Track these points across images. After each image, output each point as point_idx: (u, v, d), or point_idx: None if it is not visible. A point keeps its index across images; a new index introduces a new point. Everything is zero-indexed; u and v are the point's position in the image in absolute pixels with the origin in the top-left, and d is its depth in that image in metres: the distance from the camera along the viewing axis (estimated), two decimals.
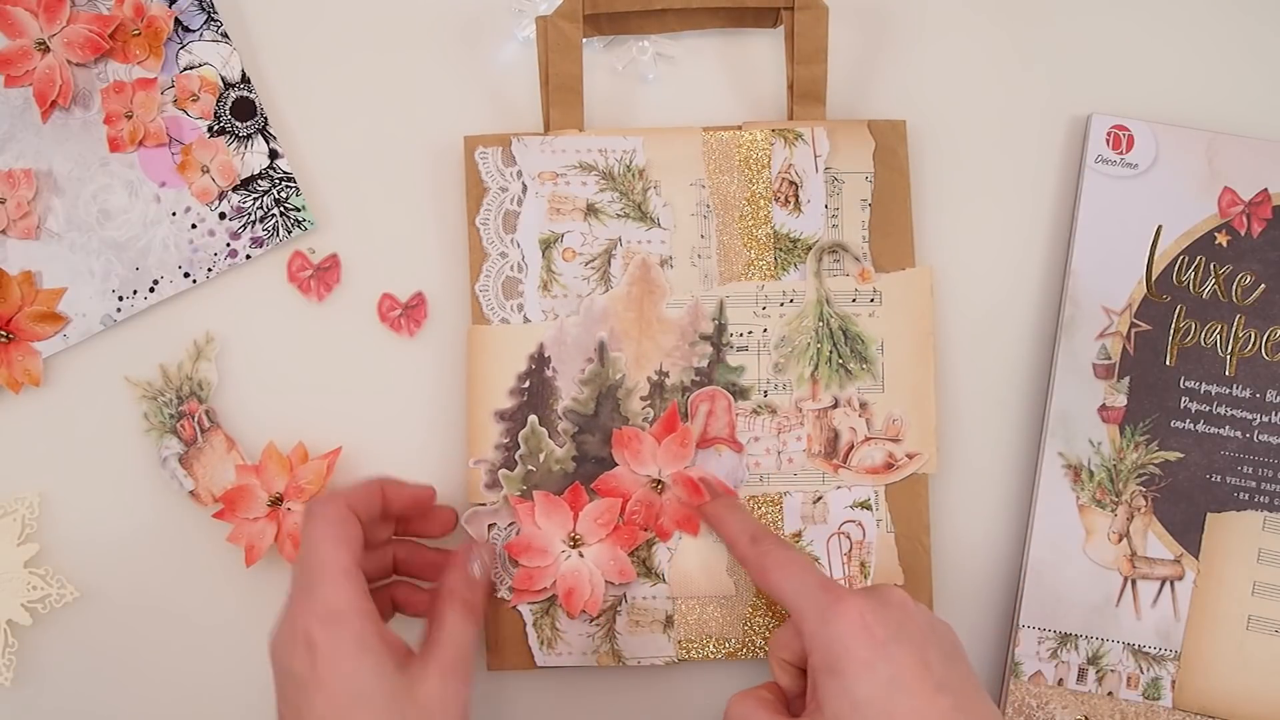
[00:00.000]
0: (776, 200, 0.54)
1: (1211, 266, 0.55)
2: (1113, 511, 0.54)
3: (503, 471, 0.53)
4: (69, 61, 0.55)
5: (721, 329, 0.54)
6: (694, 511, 0.53)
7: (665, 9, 0.54)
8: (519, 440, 0.53)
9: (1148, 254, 0.55)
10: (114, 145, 0.55)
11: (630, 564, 0.53)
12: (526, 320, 0.54)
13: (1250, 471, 0.54)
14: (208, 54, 0.56)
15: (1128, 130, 0.56)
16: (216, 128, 0.56)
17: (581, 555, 0.53)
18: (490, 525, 0.53)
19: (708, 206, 0.54)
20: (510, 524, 0.53)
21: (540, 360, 0.53)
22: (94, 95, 0.55)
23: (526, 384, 0.53)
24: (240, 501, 0.53)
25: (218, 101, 0.56)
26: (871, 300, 0.54)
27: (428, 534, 0.52)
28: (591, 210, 0.54)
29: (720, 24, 0.57)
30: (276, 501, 0.53)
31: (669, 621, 0.53)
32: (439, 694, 0.44)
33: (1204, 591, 0.54)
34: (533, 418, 0.53)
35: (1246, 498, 0.54)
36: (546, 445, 0.53)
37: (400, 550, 0.52)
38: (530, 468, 0.53)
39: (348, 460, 0.55)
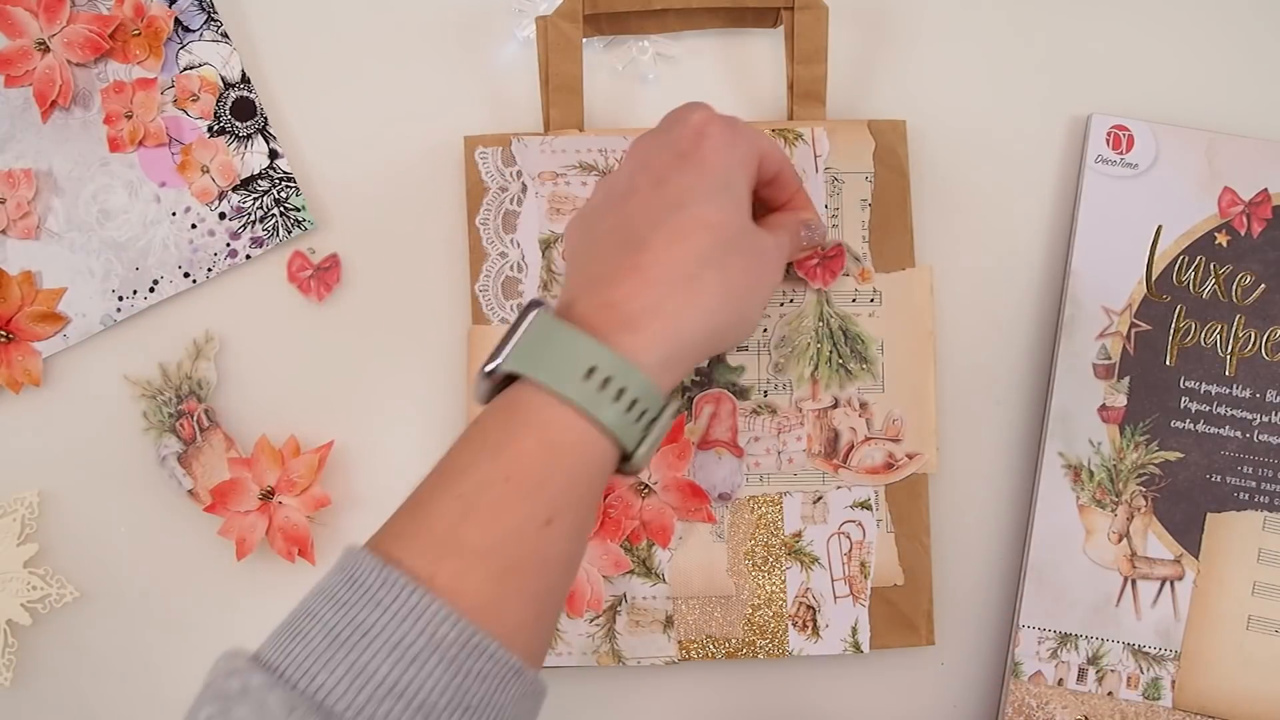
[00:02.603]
0: None
1: (1211, 266, 0.55)
2: (1113, 511, 0.54)
3: None
4: (69, 61, 0.55)
5: None
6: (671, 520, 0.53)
7: (665, 9, 0.54)
8: None
9: (1148, 254, 0.55)
10: (114, 145, 0.55)
11: (623, 554, 0.53)
12: None
13: (1250, 471, 0.54)
14: (208, 54, 0.56)
15: (1128, 130, 0.56)
16: (216, 128, 0.56)
17: None
18: None
19: None
20: None
21: None
22: (94, 95, 0.55)
23: None
24: (231, 495, 0.53)
25: (218, 101, 0.56)
26: (871, 300, 0.54)
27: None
28: None
29: (720, 24, 0.57)
30: (268, 495, 0.53)
31: (669, 621, 0.53)
32: (772, 247, 0.46)
33: (1204, 591, 0.54)
34: None
35: (1246, 498, 0.54)
36: None
37: None
38: None
39: (346, 459, 0.55)
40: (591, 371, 0.39)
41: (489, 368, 0.40)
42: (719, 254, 0.42)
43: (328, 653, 0.34)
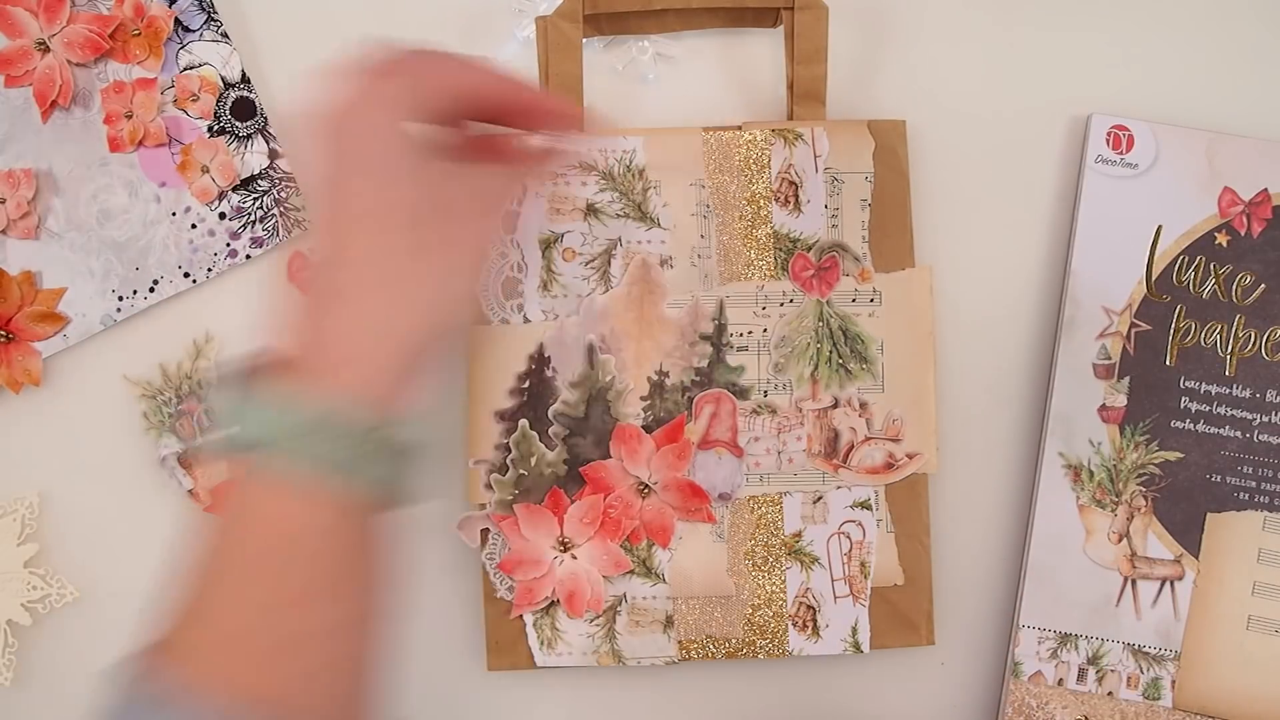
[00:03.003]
0: (776, 200, 0.54)
1: (1211, 266, 0.55)
2: (1113, 511, 0.54)
3: (494, 476, 0.53)
4: (69, 61, 0.55)
5: (721, 329, 0.54)
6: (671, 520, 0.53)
7: (665, 9, 0.54)
8: (510, 444, 0.53)
9: (1148, 254, 0.55)
10: (114, 145, 0.55)
11: (623, 554, 0.53)
12: (526, 320, 0.54)
13: (1250, 471, 0.54)
14: (208, 54, 0.56)
15: (1128, 130, 0.56)
16: (216, 128, 0.56)
17: (574, 557, 0.53)
18: (484, 530, 0.53)
19: (707, 206, 0.54)
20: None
21: (540, 360, 0.53)
22: (94, 95, 0.55)
23: (526, 384, 0.53)
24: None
25: (218, 101, 0.56)
26: (871, 300, 0.54)
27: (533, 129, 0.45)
28: (591, 210, 0.54)
29: (720, 24, 0.57)
30: None
31: (669, 621, 0.53)
32: (474, 184, 0.40)
33: (1204, 591, 0.54)
34: (523, 421, 0.53)
35: (1246, 498, 0.54)
36: (537, 449, 0.53)
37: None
38: (522, 471, 0.53)
39: None
40: (321, 431, 0.36)
41: (211, 450, 0.38)
42: (407, 235, 0.38)
43: None
